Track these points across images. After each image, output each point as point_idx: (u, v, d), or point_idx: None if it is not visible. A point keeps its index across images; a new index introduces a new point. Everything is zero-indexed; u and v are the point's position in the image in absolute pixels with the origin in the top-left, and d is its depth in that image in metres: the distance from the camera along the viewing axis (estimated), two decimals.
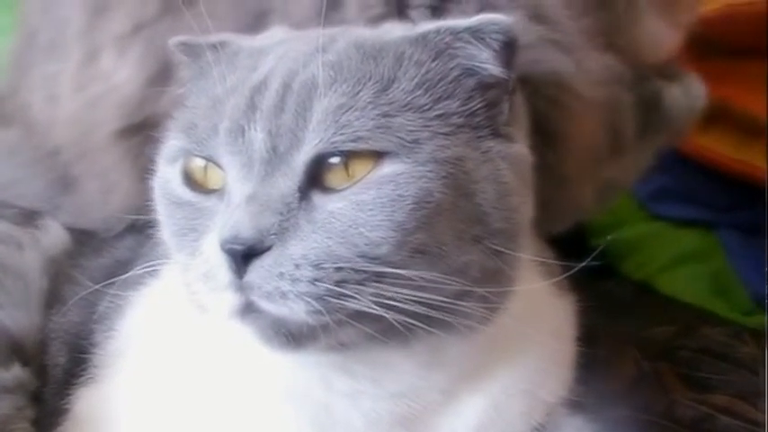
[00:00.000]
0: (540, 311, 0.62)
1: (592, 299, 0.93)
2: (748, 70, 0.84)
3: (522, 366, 0.61)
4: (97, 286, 0.62)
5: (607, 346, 0.82)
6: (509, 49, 0.52)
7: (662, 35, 0.66)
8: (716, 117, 0.90)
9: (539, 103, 0.61)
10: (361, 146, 0.48)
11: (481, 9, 0.60)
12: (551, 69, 0.61)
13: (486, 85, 0.53)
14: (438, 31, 0.52)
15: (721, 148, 0.89)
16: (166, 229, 0.54)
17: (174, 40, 0.59)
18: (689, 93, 0.73)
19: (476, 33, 0.52)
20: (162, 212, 0.55)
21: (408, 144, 0.49)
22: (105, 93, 0.68)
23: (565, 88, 0.62)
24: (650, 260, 1.00)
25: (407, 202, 0.48)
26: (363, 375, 0.55)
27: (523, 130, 0.58)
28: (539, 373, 0.61)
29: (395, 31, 0.55)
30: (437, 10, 0.61)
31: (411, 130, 0.49)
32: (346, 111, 0.48)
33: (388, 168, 0.48)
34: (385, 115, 0.49)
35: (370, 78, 0.50)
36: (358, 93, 0.49)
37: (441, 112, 0.51)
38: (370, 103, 0.49)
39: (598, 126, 0.66)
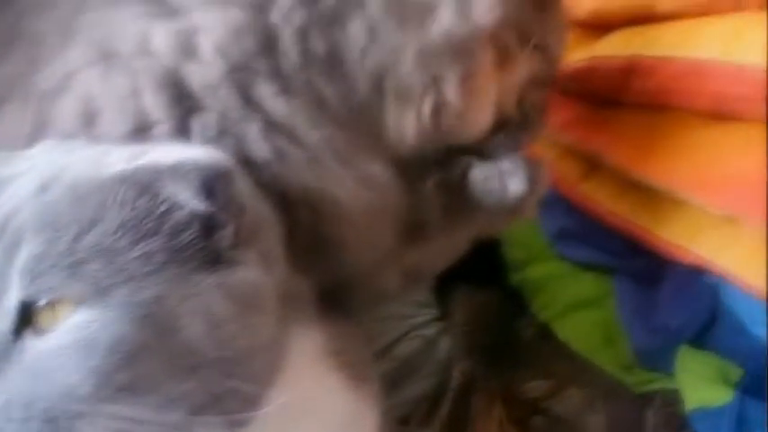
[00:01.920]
0: (322, 407, 0.62)
1: (500, 337, 0.94)
2: (620, 121, 0.80)
3: None
4: None
5: (478, 400, 0.82)
6: (215, 183, 0.53)
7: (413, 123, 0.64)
8: (595, 166, 0.87)
9: (302, 214, 0.61)
10: (55, 295, 0.50)
11: (222, 124, 0.60)
12: (301, 183, 0.61)
13: (198, 217, 0.53)
14: (143, 170, 0.53)
15: (599, 197, 0.85)
16: None
17: None
18: (502, 173, 0.70)
19: (176, 173, 0.52)
20: None
21: (102, 289, 0.50)
22: None
23: (324, 199, 0.62)
24: (553, 302, 0.98)
25: (101, 347, 0.49)
26: None
27: (262, 249, 0.58)
28: None
29: (116, 164, 0.55)
30: (180, 127, 0.60)
31: (105, 276, 0.51)
32: (43, 258, 0.50)
33: (82, 315, 0.50)
34: (80, 262, 0.50)
35: (74, 222, 0.51)
36: (59, 239, 0.51)
37: (141, 252, 0.52)
38: (67, 249, 0.50)
39: (379, 226, 0.65)
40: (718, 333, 0.79)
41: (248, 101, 0.59)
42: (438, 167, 0.71)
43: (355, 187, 0.62)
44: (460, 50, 0.62)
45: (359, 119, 0.62)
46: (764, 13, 0.70)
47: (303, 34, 0.61)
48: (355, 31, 0.61)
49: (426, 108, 0.62)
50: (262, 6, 0.61)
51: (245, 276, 0.56)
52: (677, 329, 0.82)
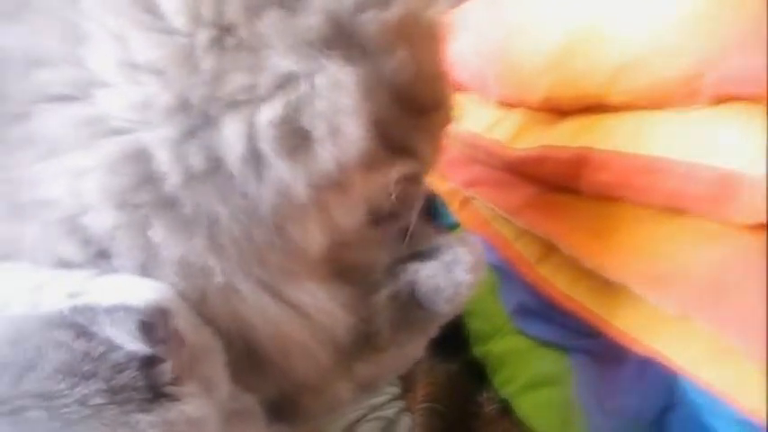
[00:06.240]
0: None
1: (461, 413, 0.93)
2: (574, 209, 0.80)
3: None
4: None
5: None
6: (152, 322, 0.52)
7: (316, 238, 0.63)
8: (552, 248, 0.87)
9: (235, 342, 0.61)
10: None
11: (137, 268, 0.59)
12: (226, 316, 0.61)
13: (136, 357, 0.53)
14: (80, 312, 0.53)
15: (555, 281, 0.85)
16: None
17: None
18: (449, 267, 0.70)
19: (112, 314, 0.52)
20: None
21: None
22: None
23: (251, 330, 0.62)
24: (513, 378, 0.97)
25: None
26: None
27: (203, 377, 0.58)
28: None
29: (53, 301, 0.55)
30: (102, 269, 0.59)
31: (42, 423, 0.50)
32: None
33: None
34: (16, 410, 0.50)
35: (12, 366, 0.51)
36: None
37: (78, 396, 0.52)
38: (6, 396, 0.50)
39: (317, 348, 0.64)
40: (676, 420, 0.79)
41: (149, 245, 0.58)
42: (389, 279, 0.70)
43: (288, 319, 0.61)
44: (339, 181, 0.61)
45: (272, 235, 0.61)
46: (716, 109, 0.70)
47: (178, 149, 0.57)
48: (231, 130, 0.58)
49: (322, 223, 0.62)
50: (138, 128, 0.58)
51: (184, 411, 0.55)
52: (635, 413, 0.81)
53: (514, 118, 0.87)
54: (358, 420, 0.93)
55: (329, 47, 0.58)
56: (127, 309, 0.51)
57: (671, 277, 0.71)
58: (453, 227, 1.09)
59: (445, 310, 0.71)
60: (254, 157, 0.58)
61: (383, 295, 0.70)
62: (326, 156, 0.58)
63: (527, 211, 0.87)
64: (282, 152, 0.57)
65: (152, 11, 0.58)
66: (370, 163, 0.63)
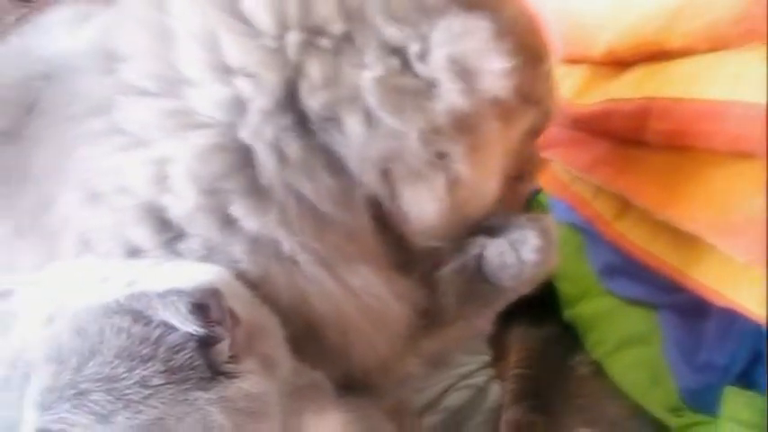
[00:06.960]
0: None
1: (554, 377, 0.93)
2: (644, 162, 0.78)
3: None
4: None
5: None
6: (205, 303, 0.55)
7: (430, 204, 0.63)
8: (628, 204, 0.85)
9: (298, 322, 0.63)
10: (60, 426, 0.53)
11: (207, 248, 0.62)
12: (289, 297, 0.63)
13: (192, 337, 0.56)
14: (136, 298, 0.56)
15: (633, 237, 0.83)
16: None
17: None
18: (514, 243, 0.69)
19: (166, 299, 0.55)
20: None
21: (103, 417, 0.54)
22: None
23: (312, 312, 0.63)
24: (603, 339, 0.96)
25: None
26: None
27: (262, 354, 0.60)
28: None
29: (113, 291, 0.58)
30: (169, 252, 0.63)
31: (104, 404, 0.54)
32: (49, 392, 0.54)
33: None
34: (81, 393, 0.54)
35: (75, 354, 0.55)
36: (61, 372, 0.54)
37: (138, 378, 0.55)
38: (68, 383, 0.54)
39: (378, 330, 0.66)
40: (764, 372, 0.76)
41: (226, 223, 0.60)
42: (454, 254, 0.70)
43: (342, 297, 0.63)
44: (466, 125, 0.61)
45: (352, 216, 0.62)
46: None
47: (276, 144, 0.60)
48: (353, 126, 0.60)
49: (439, 186, 0.62)
50: (229, 125, 0.61)
51: (243, 388, 0.58)
52: (723, 367, 0.79)
53: (577, 74, 0.86)
54: (446, 390, 0.94)
55: (445, 8, 0.59)
56: (178, 292, 0.54)
57: (739, 224, 0.69)
58: (535, 192, 1.07)
59: (511, 286, 0.71)
60: (367, 119, 0.60)
61: (450, 269, 0.69)
62: (454, 98, 0.59)
63: (600, 167, 0.86)
64: (391, 107, 0.59)
65: (238, 13, 0.61)
66: (506, 114, 0.64)
